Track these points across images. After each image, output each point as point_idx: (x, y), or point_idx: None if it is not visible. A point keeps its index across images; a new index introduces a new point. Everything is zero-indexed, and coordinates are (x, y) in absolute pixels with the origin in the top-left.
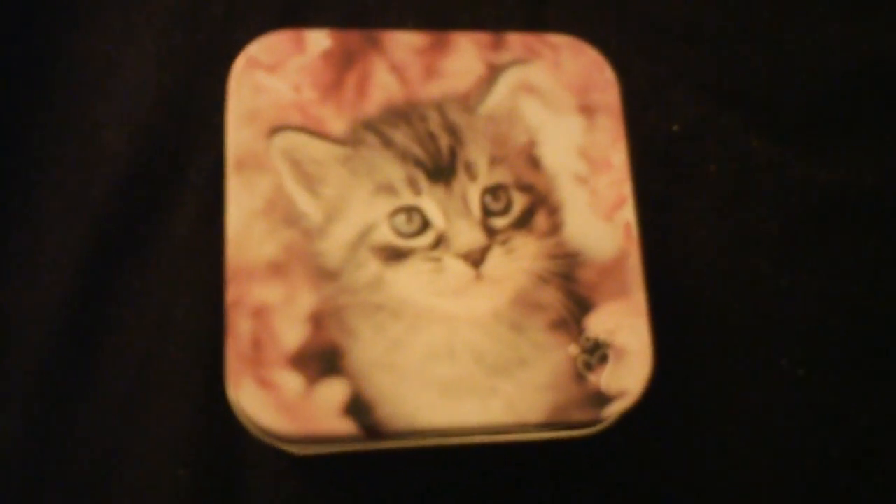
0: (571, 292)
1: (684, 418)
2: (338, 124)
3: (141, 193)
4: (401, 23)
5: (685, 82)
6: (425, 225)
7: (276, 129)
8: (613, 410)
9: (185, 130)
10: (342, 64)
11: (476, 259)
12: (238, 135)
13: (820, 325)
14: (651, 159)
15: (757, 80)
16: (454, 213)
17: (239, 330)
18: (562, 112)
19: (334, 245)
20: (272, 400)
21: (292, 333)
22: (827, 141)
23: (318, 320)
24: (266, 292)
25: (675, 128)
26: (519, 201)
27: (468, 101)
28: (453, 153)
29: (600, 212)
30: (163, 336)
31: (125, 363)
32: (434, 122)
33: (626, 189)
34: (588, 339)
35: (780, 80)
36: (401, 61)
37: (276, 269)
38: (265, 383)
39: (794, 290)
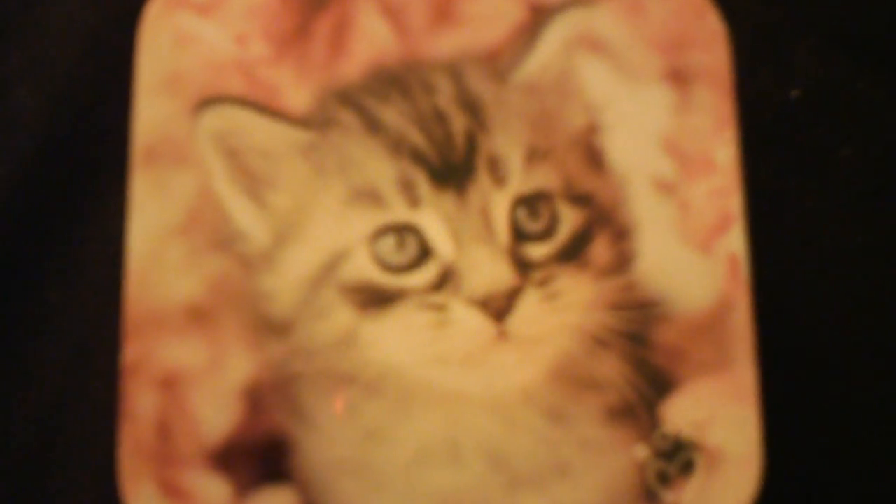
0: (643, 363)
1: None
2: (300, 95)
3: (62, 172)
4: None
5: (810, 32)
6: (425, 253)
7: (205, 103)
8: None
9: (123, 90)
10: (310, 4)
11: (500, 308)
12: (149, 111)
13: None
14: (758, 139)
15: None
16: (469, 237)
17: (138, 409)
18: (641, 81)
19: (286, 282)
20: None
21: (217, 416)
22: None
23: (256, 397)
24: (180, 353)
25: (793, 94)
26: (569, 219)
27: (497, 63)
28: (472, 143)
29: (693, 238)
30: (68, 392)
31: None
32: (445, 95)
33: (735, 204)
34: (665, 437)
35: None
36: (398, 1)
37: (198, 318)
38: (172, 490)
39: None
